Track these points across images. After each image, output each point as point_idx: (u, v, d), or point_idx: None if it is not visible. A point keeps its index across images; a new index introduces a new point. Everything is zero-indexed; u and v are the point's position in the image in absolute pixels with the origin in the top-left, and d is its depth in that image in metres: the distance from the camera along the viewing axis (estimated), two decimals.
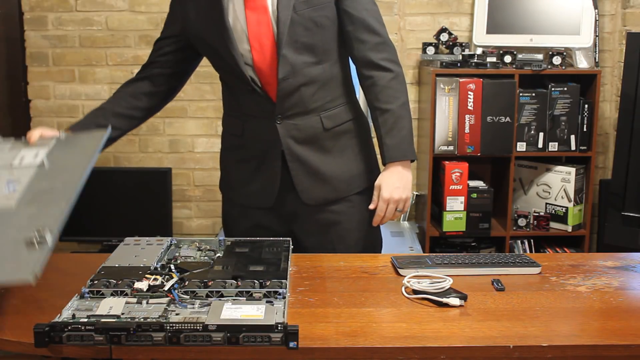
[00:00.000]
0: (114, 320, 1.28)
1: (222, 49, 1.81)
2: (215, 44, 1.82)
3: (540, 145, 3.19)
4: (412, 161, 1.90)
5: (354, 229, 1.93)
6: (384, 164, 1.89)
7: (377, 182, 1.88)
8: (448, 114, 3.14)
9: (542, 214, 3.28)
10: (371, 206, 1.88)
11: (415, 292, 1.50)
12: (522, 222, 3.25)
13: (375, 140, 1.96)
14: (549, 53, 3.17)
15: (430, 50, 3.21)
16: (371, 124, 1.98)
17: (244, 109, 1.89)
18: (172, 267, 1.56)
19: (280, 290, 1.40)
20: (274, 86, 1.81)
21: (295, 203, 1.90)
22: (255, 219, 1.95)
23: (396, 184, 1.85)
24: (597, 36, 3.25)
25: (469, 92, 3.10)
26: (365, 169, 1.95)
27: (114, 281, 1.44)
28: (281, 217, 1.93)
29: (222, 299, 1.38)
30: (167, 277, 1.48)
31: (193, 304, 1.36)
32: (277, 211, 1.92)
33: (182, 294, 1.40)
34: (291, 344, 1.25)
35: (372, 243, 1.98)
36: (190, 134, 3.39)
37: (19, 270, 1.25)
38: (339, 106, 1.90)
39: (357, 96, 2.00)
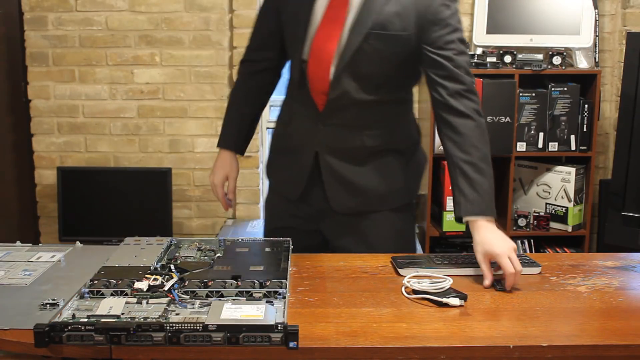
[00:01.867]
0: (114, 320, 1.28)
1: (290, 42, 1.82)
2: (287, 32, 1.82)
3: (540, 145, 3.19)
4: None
5: (383, 243, 1.87)
6: (459, 217, 1.68)
7: (479, 254, 1.61)
8: None
9: (542, 214, 3.28)
10: (486, 283, 1.57)
11: (415, 292, 1.50)
12: (522, 222, 3.25)
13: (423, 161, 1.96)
14: (549, 53, 3.17)
15: None
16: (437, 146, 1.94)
17: (296, 102, 1.88)
18: (172, 267, 1.56)
19: (280, 290, 1.40)
20: (323, 100, 1.78)
21: (324, 204, 1.87)
22: (288, 208, 1.94)
23: (496, 235, 1.61)
24: (597, 36, 3.25)
25: None
26: (404, 187, 1.89)
27: (114, 281, 1.44)
28: (308, 213, 1.91)
29: (222, 299, 1.38)
30: (167, 277, 1.48)
31: (193, 304, 1.35)
32: (304, 206, 1.91)
33: (182, 294, 1.39)
34: (291, 344, 1.25)
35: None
36: (190, 134, 3.39)
37: (28, 322, 1.29)
38: (388, 127, 1.83)
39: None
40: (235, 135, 2.00)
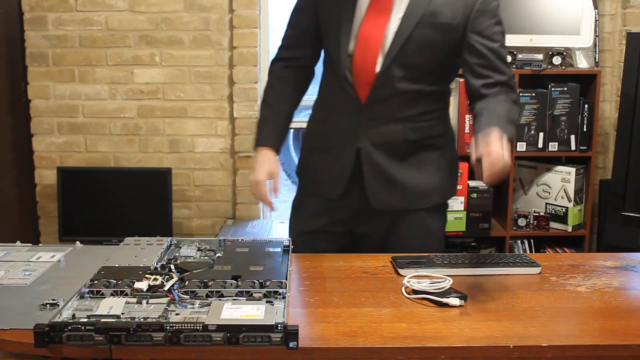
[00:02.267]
0: (114, 320, 1.28)
1: (332, 35, 1.80)
2: (328, 26, 1.82)
3: (540, 145, 3.19)
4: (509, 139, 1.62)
5: (417, 243, 1.88)
6: (477, 134, 1.63)
7: (477, 144, 1.59)
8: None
9: (542, 214, 3.28)
10: (474, 157, 1.57)
11: (415, 292, 1.50)
12: (522, 222, 3.25)
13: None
14: (549, 53, 3.17)
15: None
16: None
17: (335, 98, 1.87)
18: (172, 267, 1.56)
19: (280, 290, 1.40)
20: (366, 91, 1.79)
21: (361, 203, 1.87)
22: (321, 210, 1.93)
23: (495, 139, 1.55)
24: (597, 36, 3.25)
25: None
26: (440, 186, 1.90)
27: (114, 281, 1.44)
28: (342, 214, 1.90)
29: (222, 299, 1.38)
30: (167, 277, 1.48)
31: (193, 304, 1.36)
32: (340, 207, 1.90)
33: (182, 294, 1.39)
34: (291, 344, 1.25)
35: None
36: (190, 134, 3.39)
37: (28, 322, 1.29)
38: (429, 121, 1.85)
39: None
40: (272, 132, 1.92)
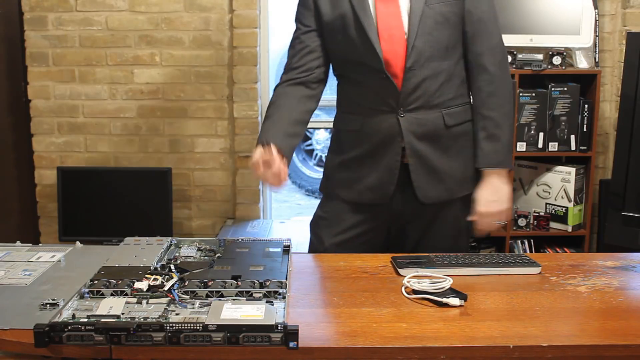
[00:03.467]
0: (114, 320, 1.28)
1: (359, 35, 1.83)
2: (350, 30, 1.84)
3: (540, 145, 3.19)
4: (509, 171, 1.91)
5: (448, 234, 1.94)
6: (477, 168, 1.90)
7: (475, 195, 1.88)
8: None
9: (542, 214, 3.28)
10: (470, 218, 1.89)
11: (415, 292, 1.50)
12: (522, 222, 3.25)
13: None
14: (549, 53, 3.17)
15: None
16: None
17: (366, 102, 1.89)
18: (172, 267, 1.56)
19: (280, 290, 1.40)
20: (400, 77, 1.83)
21: (406, 201, 1.89)
22: (360, 220, 1.93)
23: (491, 197, 1.86)
24: (597, 36, 3.25)
25: None
26: (474, 173, 1.93)
27: (114, 281, 1.44)
28: (385, 217, 1.92)
29: (222, 299, 1.38)
30: (167, 277, 1.48)
31: (193, 304, 1.36)
32: (385, 210, 1.91)
33: (182, 294, 1.40)
34: (291, 344, 1.25)
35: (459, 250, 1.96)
36: (190, 134, 3.39)
37: (28, 322, 1.29)
38: (459, 105, 1.91)
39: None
40: (276, 132, 1.83)
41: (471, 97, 1.93)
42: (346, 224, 1.94)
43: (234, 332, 1.25)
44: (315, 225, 2.00)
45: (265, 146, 1.76)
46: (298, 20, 1.95)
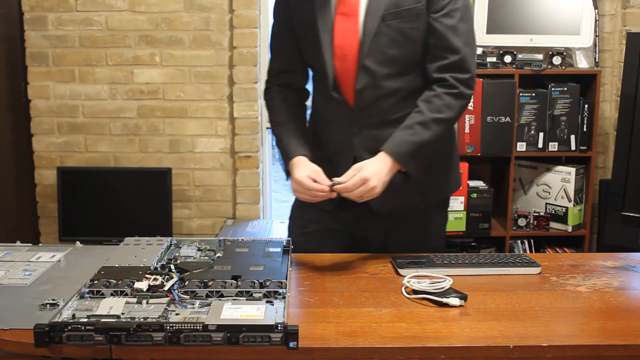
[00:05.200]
0: (114, 320, 1.28)
1: (316, 51, 1.77)
2: (310, 40, 1.78)
3: (540, 145, 3.19)
4: (404, 175, 1.73)
5: (413, 245, 1.86)
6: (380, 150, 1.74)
7: (361, 163, 1.69)
8: None
9: (542, 214, 3.28)
10: (342, 178, 1.67)
11: (415, 292, 1.50)
12: (522, 222, 3.25)
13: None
14: (549, 53, 3.17)
15: None
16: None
17: (323, 111, 1.87)
18: (172, 267, 1.56)
19: (280, 290, 1.40)
20: (352, 97, 1.77)
21: (360, 210, 1.83)
22: (320, 217, 1.89)
23: (380, 175, 1.67)
24: (597, 36, 3.25)
25: None
26: (439, 183, 1.89)
27: (114, 281, 1.44)
28: (343, 221, 1.88)
29: (222, 299, 1.38)
30: (167, 277, 1.48)
31: (193, 304, 1.36)
32: (340, 216, 1.87)
33: (182, 294, 1.39)
34: (291, 344, 1.25)
35: None
36: (190, 134, 3.39)
37: (28, 322, 1.29)
38: None
39: None
40: (299, 144, 1.81)
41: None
42: (307, 218, 1.92)
43: (234, 332, 1.25)
44: (290, 212, 2.02)
45: (297, 158, 1.75)
46: (277, 17, 1.88)
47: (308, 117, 1.96)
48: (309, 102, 1.97)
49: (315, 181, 1.69)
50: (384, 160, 1.69)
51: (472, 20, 1.78)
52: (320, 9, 1.75)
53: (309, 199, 1.71)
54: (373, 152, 1.74)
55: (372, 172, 1.66)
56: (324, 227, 1.91)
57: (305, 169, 1.72)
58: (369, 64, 1.73)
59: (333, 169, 1.81)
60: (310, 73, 1.92)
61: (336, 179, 1.67)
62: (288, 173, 1.80)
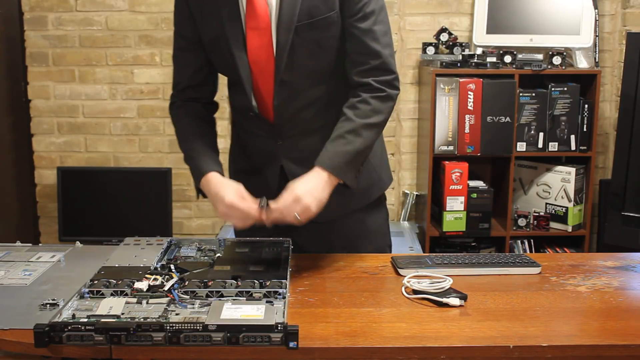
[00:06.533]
0: (114, 320, 1.28)
1: (232, 69, 1.68)
2: (222, 56, 1.69)
3: (540, 145, 3.19)
4: (343, 185, 1.65)
5: (360, 243, 1.84)
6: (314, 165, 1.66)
7: (294, 182, 1.61)
8: (448, 114, 3.14)
9: (542, 214, 3.28)
10: (274, 205, 1.57)
11: (415, 292, 1.50)
12: (522, 222, 3.25)
13: (387, 150, 1.88)
14: (549, 53, 3.17)
15: (430, 50, 3.21)
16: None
17: (246, 123, 1.81)
18: (172, 267, 1.56)
19: (280, 290, 1.40)
20: (271, 112, 1.71)
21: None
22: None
23: (315, 192, 1.58)
24: (597, 36, 3.25)
25: (469, 92, 3.10)
26: (373, 180, 1.84)
27: (114, 281, 1.44)
28: (277, 227, 1.76)
29: (222, 299, 1.38)
30: (167, 277, 1.48)
31: (193, 304, 1.36)
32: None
33: (182, 294, 1.39)
34: (291, 344, 1.25)
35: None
36: None
37: (28, 322, 1.29)
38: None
39: None
40: (212, 160, 1.72)
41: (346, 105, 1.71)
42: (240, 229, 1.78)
43: (234, 332, 1.25)
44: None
45: (211, 175, 1.66)
46: (179, 30, 1.75)
47: (232, 125, 1.90)
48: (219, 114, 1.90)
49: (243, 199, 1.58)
50: (319, 175, 1.60)
51: (388, 20, 1.72)
52: (228, 24, 1.64)
53: (240, 223, 1.57)
54: (299, 161, 1.71)
55: (305, 190, 1.57)
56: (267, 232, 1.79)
57: (231, 189, 1.59)
58: (287, 78, 1.66)
59: (261, 180, 1.78)
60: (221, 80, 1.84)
61: (266, 200, 1.57)
62: (200, 191, 1.71)
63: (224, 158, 1.83)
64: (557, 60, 3.14)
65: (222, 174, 1.69)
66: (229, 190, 1.59)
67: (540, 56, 3.20)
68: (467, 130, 3.14)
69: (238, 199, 1.57)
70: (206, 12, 1.67)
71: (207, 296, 1.39)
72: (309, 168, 1.63)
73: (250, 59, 1.66)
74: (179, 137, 1.83)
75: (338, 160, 1.62)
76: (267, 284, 1.43)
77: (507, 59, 3.14)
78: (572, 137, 3.19)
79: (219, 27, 1.65)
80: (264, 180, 1.80)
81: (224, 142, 3.37)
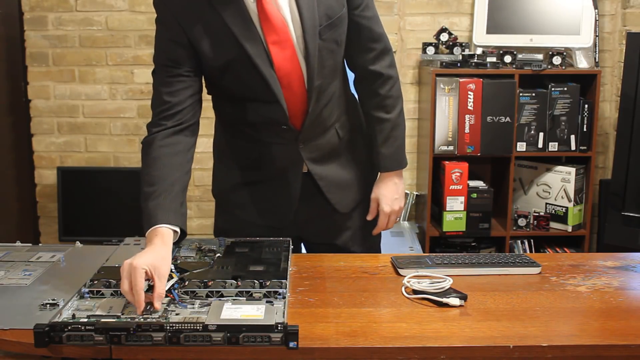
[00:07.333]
0: (114, 320, 1.28)
1: (260, 88, 1.66)
2: (245, 77, 1.65)
3: (540, 145, 3.19)
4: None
5: (356, 235, 1.91)
6: (379, 172, 1.90)
7: (374, 195, 1.88)
8: (448, 114, 3.14)
9: (542, 214, 3.28)
10: (369, 217, 1.89)
11: (415, 292, 1.50)
12: (522, 222, 3.25)
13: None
14: (549, 53, 3.17)
15: (430, 50, 3.22)
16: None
17: (262, 136, 1.77)
18: (172, 267, 1.56)
19: (280, 290, 1.40)
20: (301, 118, 1.72)
21: (307, 214, 1.83)
22: (264, 230, 1.83)
23: (394, 195, 1.88)
24: (597, 36, 3.25)
25: (469, 92, 3.10)
26: (368, 175, 1.92)
27: (114, 281, 1.44)
28: (289, 228, 1.85)
29: (222, 299, 1.38)
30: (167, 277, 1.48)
31: (193, 304, 1.36)
32: (290, 224, 1.84)
33: (182, 294, 1.40)
34: (291, 344, 1.25)
35: (372, 248, 1.96)
36: None
37: (28, 322, 1.29)
38: (346, 111, 1.85)
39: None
40: (172, 208, 1.64)
41: (360, 99, 1.89)
42: (247, 234, 1.79)
43: (234, 332, 1.25)
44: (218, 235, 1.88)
45: (160, 228, 1.58)
46: (169, 57, 1.65)
47: (218, 138, 1.93)
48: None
49: (149, 280, 1.38)
50: (391, 180, 1.88)
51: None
52: (248, 44, 1.61)
53: (126, 295, 1.35)
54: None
55: (390, 199, 1.87)
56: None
57: (156, 255, 1.43)
58: (317, 82, 1.70)
59: (283, 184, 1.81)
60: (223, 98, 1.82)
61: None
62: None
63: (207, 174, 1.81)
64: (557, 60, 3.14)
65: (178, 228, 1.61)
66: (144, 256, 1.41)
67: (540, 56, 3.20)
68: (467, 130, 3.14)
69: (136, 268, 1.35)
70: (214, 37, 1.62)
71: (207, 296, 1.39)
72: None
73: (278, 74, 1.66)
74: (145, 178, 1.73)
75: (397, 157, 1.88)
76: (267, 284, 1.43)
77: (507, 59, 3.14)
78: (572, 137, 3.19)
79: (236, 48, 1.62)
80: (288, 184, 1.81)
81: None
